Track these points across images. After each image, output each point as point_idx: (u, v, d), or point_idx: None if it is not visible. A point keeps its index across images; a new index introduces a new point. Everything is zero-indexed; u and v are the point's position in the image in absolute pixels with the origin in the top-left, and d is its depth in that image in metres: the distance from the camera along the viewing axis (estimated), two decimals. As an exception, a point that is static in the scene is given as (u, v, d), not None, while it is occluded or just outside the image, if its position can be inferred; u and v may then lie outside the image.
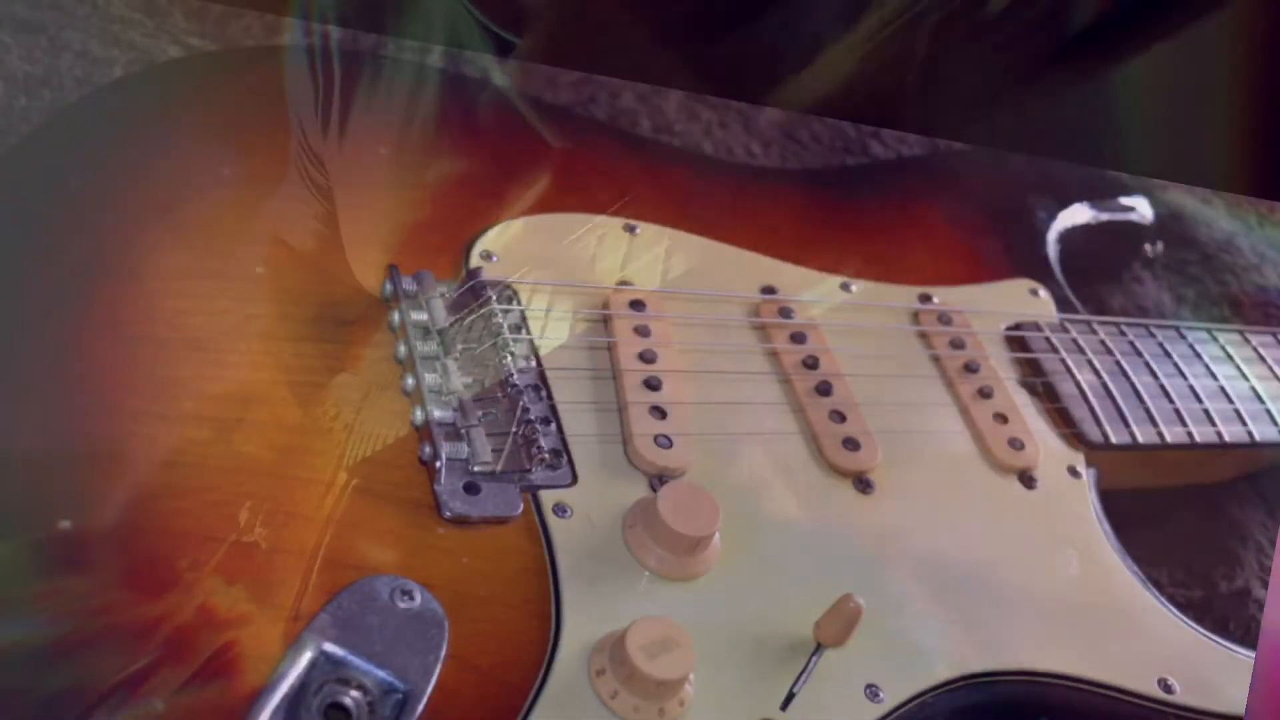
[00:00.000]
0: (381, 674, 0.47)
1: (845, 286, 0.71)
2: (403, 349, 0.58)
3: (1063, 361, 0.71)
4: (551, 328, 0.62)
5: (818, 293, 0.70)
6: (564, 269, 0.65)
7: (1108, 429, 0.68)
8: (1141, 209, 0.86)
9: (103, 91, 0.74)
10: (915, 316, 0.71)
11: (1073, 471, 0.67)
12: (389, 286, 0.60)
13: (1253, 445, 0.73)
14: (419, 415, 0.55)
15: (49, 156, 0.62)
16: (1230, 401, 0.73)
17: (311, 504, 0.52)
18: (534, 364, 0.60)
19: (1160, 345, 0.75)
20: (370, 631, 0.48)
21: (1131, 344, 0.74)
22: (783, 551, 0.58)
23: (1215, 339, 0.77)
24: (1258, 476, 0.78)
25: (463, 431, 0.55)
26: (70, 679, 0.45)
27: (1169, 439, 0.70)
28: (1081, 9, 0.65)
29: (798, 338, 0.66)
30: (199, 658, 0.46)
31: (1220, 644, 0.62)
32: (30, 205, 0.59)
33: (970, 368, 0.68)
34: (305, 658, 0.46)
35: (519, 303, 0.62)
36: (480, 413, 0.56)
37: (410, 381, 0.57)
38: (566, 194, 0.69)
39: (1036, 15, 0.65)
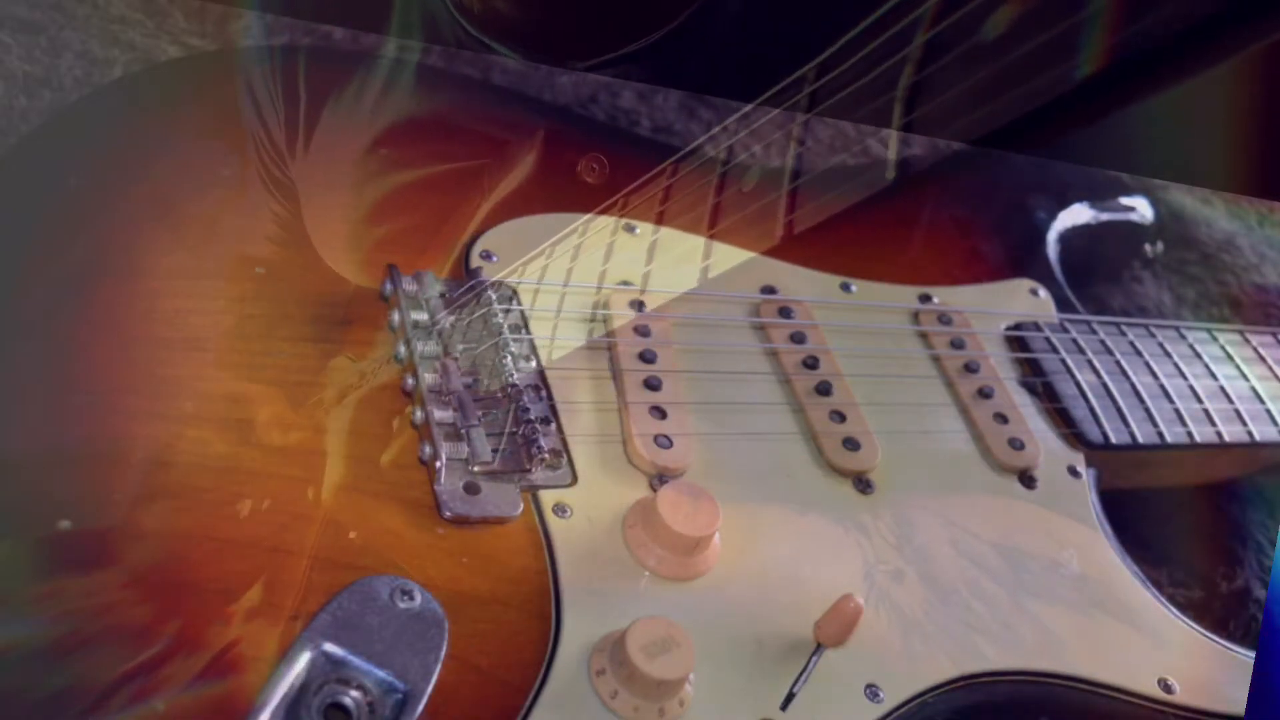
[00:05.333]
0: (381, 674, 0.47)
1: (845, 286, 0.71)
2: (402, 349, 0.58)
3: (1063, 361, 0.71)
4: (551, 327, 0.62)
5: (818, 293, 0.70)
6: (564, 269, 0.65)
7: (1108, 429, 0.68)
8: (1141, 209, 0.86)
9: (103, 91, 0.74)
10: (915, 316, 0.71)
11: (1073, 471, 0.67)
12: (389, 286, 0.60)
13: (1253, 445, 0.73)
14: (419, 415, 0.55)
15: (49, 156, 0.62)
16: (1230, 401, 0.73)
17: (311, 504, 0.52)
18: (534, 364, 0.60)
19: (1160, 345, 0.75)
20: (370, 631, 0.48)
21: (1131, 344, 0.74)
22: (783, 551, 0.58)
23: (1215, 339, 0.77)
24: (1258, 476, 0.78)
25: (463, 431, 0.55)
26: (70, 679, 0.45)
27: (1169, 439, 0.70)
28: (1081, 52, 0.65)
29: (798, 338, 0.66)
30: (199, 658, 0.46)
31: (1220, 644, 0.62)
32: (30, 205, 0.59)
33: (970, 368, 0.68)
34: (305, 658, 0.46)
35: (519, 302, 0.62)
36: (480, 412, 0.56)
37: (410, 381, 0.57)
38: (567, 194, 0.69)
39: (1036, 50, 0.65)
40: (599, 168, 0.68)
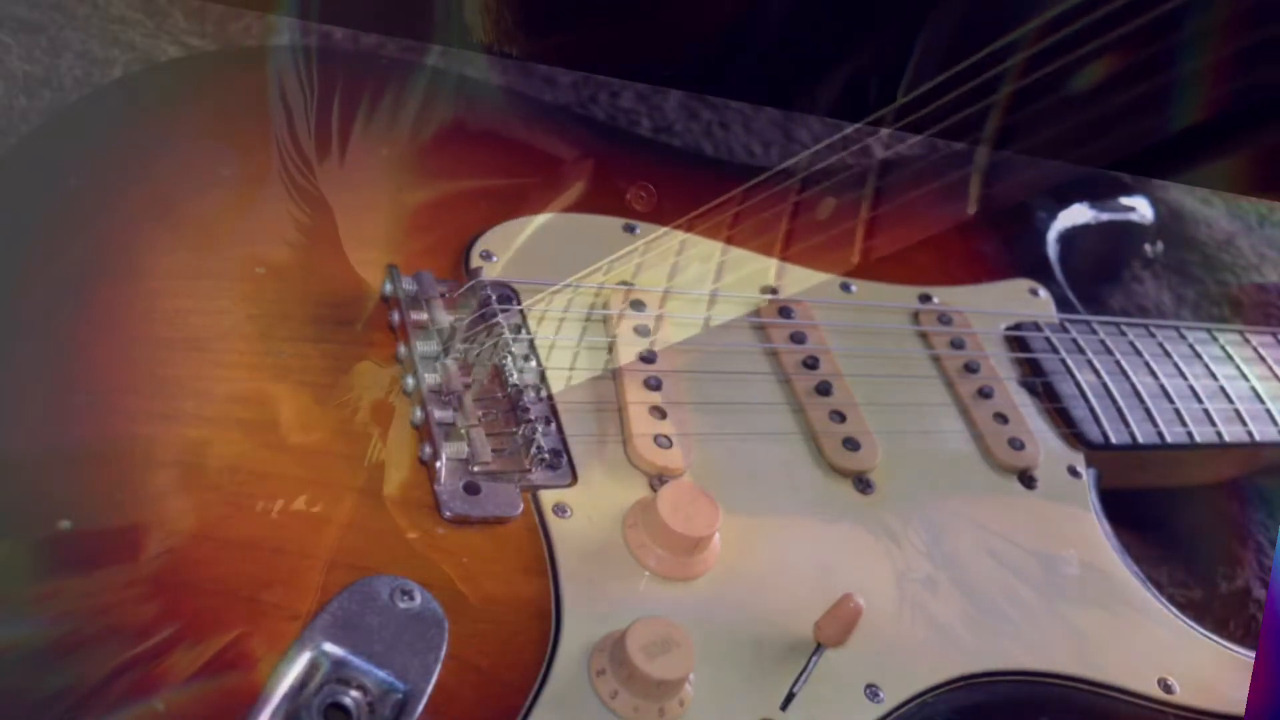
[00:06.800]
0: (381, 674, 0.47)
1: (845, 286, 0.71)
2: (403, 349, 0.58)
3: (1063, 361, 0.71)
4: (551, 327, 0.62)
5: (818, 293, 0.70)
6: (564, 269, 0.65)
7: (1108, 429, 0.68)
8: (1141, 209, 0.86)
9: (103, 91, 0.74)
10: (915, 316, 0.71)
11: (1073, 471, 0.67)
12: (389, 286, 0.60)
13: (1253, 445, 0.73)
14: (419, 415, 0.55)
15: (49, 156, 0.62)
16: (1230, 401, 0.73)
17: (312, 504, 0.52)
18: (534, 364, 0.60)
19: (1160, 345, 0.75)
20: (370, 631, 0.48)
21: (1131, 344, 0.74)
22: (782, 551, 0.58)
23: (1215, 339, 0.77)
24: (1258, 476, 0.78)
25: (463, 431, 0.55)
26: (70, 679, 0.45)
27: (1169, 439, 0.70)
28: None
29: (798, 338, 0.66)
30: (198, 658, 0.46)
31: (1220, 644, 0.62)
32: (30, 205, 0.59)
33: (970, 368, 0.68)
34: (305, 657, 0.46)
35: (519, 302, 0.62)
36: (480, 412, 0.56)
37: (410, 381, 0.57)
38: (567, 194, 0.69)
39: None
40: (648, 196, 0.68)
